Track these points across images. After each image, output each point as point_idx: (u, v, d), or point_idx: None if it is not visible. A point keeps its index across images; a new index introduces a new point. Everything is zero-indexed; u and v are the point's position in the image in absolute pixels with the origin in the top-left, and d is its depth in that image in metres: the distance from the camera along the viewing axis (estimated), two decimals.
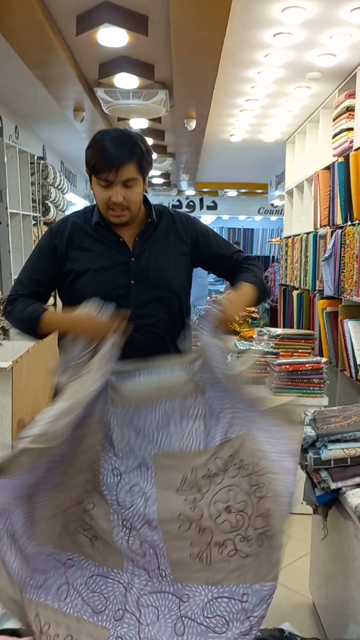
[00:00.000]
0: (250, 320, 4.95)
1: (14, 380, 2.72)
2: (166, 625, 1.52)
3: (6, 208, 4.43)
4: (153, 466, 1.53)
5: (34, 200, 5.21)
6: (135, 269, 1.68)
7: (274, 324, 6.66)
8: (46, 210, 5.51)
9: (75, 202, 8.34)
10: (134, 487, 1.54)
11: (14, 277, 4.53)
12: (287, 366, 2.99)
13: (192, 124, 5.17)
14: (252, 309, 5.06)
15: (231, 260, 1.84)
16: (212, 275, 11.71)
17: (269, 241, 12.51)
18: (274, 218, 12.38)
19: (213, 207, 12.13)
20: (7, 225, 4.42)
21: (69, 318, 1.60)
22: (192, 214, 2.18)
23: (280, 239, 7.21)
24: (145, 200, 1.75)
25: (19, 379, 2.81)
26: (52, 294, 1.81)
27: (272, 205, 10.42)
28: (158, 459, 1.53)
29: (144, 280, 1.68)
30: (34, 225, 5.22)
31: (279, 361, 3.03)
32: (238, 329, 4.60)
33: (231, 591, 1.52)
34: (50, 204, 5.54)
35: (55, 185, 5.70)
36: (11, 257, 4.48)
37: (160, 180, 9.90)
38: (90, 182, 1.68)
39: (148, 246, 1.71)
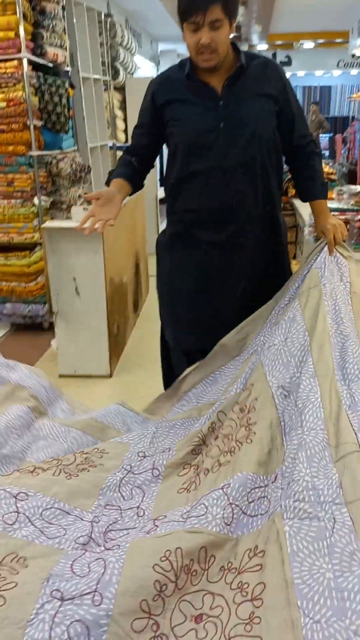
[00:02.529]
0: (329, 182, 4.79)
1: (104, 241, 2.90)
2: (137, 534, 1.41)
3: (78, 72, 4.35)
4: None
5: (103, 64, 5.05)
6: (224, 112, 1.75)
7: (353, 183, 6.40)
8: (116, 74, 5.35)
9: (142, 65, 7.95)
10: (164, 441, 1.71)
11: (90, 145, 4.57)
12: None
13: None
14: (331, 170, 4.88)
15: (304, 141, 1.89)
16: None
17: (349, 98, 11.51)
18: (354, 72, 11.28)
19: (287, 62, 11.16)
20: (80, 90, 4.37)
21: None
22: None
23: None
24: (235, 47, 1.79)
25: (108, 239, 2.98)
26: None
27: (353, 56, 9.45)
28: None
29: (233, 122, 1.75)
30: (105, 90, 5.11)
31: (359, 217, 3.00)
32: None
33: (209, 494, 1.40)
34: (119, 66, 5.35)
35: (124, 45, 5.46)
36: (86, 124, 4.48)
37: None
38: (182, 32, 1.74)
39: (236, 90, 1.76)
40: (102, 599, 1.10)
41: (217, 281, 1.91)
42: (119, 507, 1.52)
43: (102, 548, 1.35)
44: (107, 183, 1.90)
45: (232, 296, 1.92)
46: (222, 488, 1.34)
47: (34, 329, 3.82)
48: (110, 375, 3.13)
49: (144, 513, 1.48)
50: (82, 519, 1.44)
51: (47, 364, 3.31)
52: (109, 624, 1.07)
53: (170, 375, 2.17)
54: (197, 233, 1.88)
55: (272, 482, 1.35)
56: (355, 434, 1.30)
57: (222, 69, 1.76)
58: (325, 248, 1.79)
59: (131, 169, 1.92)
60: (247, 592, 1.14)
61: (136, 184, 1.94)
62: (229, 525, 1.27)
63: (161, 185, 6.58)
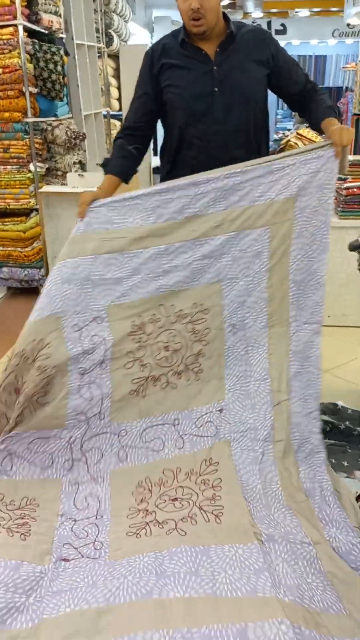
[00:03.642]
0: None
1: None
2: (110, 457, 1.69)
3: (72, 39, 4.37)
4: (107, 318, 1.73)
5: (97, 30, 5.06)
6: (218, 76, 1.85)
7: None
8: (110, 41, 5.36)
9: (136, 32, 7.88)
10: (94, 337, 1.72)
11: (84, 113, 4.62)
12: (355, 189, 3.10)
13: None
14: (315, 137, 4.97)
15: (303, 87, 1.94)
16: (278, 111, 11.01)
17: (343, 67, 11.45)
18: (350, 41, 11.17)
19: (282, 31, 11.05)
20: (75, 57, 4.40)
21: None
22: None
23: (356, 64, 6.67)
24: (225, 16, 1.90)
25: None
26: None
27: (349, 25, 9.39)
28: (111, 309, 1.73)
29: (226, 87, 1.84)
30: (99, 57, 5.13)
31: (346, 185, 3.13)
32: None
33: (163, 419, 1.73)
34: (113, 34, 5.36)
35: (117, 12, 5.45)
36: (80, 92, 4.53)
37: (225, 1, 9.04)
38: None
39: (228, 55, 1.86)
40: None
41: None
42: (86, 416, 1.71)
43: (84, 460, 1.70)
44: (104, 169, 1.94)
45: None
46: (173, 424, 1.74)
47: (30, 293, 3.94)
48: None
49: (104, 417, 1.71)
50: (60, 438, 1.69)
51: None
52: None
53: None
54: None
55: (218, 412, 1.73)
56: (289, 382, 1.72)
57: (213, 36, 1.85)
58: (330, 158, 1.71)
59: (129, 161, 1.94)
60: (208, 483, 1.59)
61: (131, 173, 1.98)
62: (180, 449, 1.70)
63: (155, 155, 6.64)
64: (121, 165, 1.94)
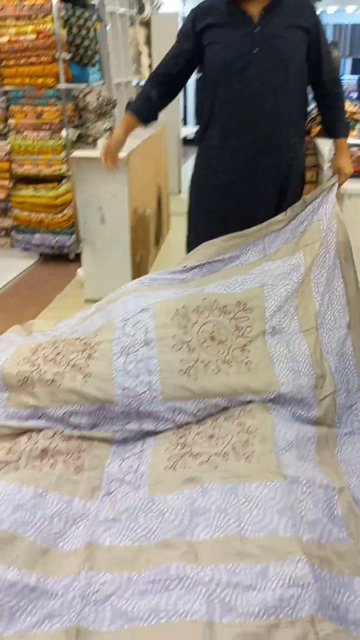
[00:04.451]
0: (351, 122, 4.82)
1: (129, 171, 3.06)
2: (163, 424, 1.75)
3: (104, 6, 4.37)
4: (152, 309, 1.90)
5: None
6: (260, 38, 1.89)
7: None
8: (141, 8, 5.33)
9: (167, 0, 7.78)
10: (137, 323, 1.86)
11: (115, 81, 4.64)
12: None
13: None
14: (356, 110, 4.90)
15: (327, 73, 2.02)
16: None
17: None
18: None
19: None
20: (106, 24, 4.41)
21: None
22: None
23: None
24: None
25: (133, 170, 3.14)
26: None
27: None
28: (156, 305, 1.92)
29: (266, 50, 1.89)
30: (130, 25, 5.12)
31: None
32: None
33: (216, 401, 1.76)
34: (145, 1, 5.33)
35: None
36: (111, 59, 4.54)
37: None
38: None
39: (272, 18, 1.91)
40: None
41: (241, 205, 2.09)
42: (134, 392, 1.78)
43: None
44: (126, 110, 2.14)
45: (248, 222, 2.07)
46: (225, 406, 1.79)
47: (61, 259, 4.04)
48: None
49: (156, 395, 1.76)
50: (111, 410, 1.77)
51: (74, 291, 3.55)
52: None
53: None
54: (225, 159, 2.04)
55: (270, 401, 1.79)
56: (333, 377, 1.86)
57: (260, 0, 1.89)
58: (333, 188, 2.03)
59: (147, 105, 2.10)
60: (244, 427, 1.67)
61: (149, 118, 2.13)
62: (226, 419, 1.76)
63: (184, 125, 6.61)
64: (140, 109, 2.09)
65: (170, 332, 1.83)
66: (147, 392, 1.74)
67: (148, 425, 1.72)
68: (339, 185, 2.08)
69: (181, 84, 2.15)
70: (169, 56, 2.07)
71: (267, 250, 2.03)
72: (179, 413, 1.74)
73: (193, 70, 2.11)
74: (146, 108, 2.11)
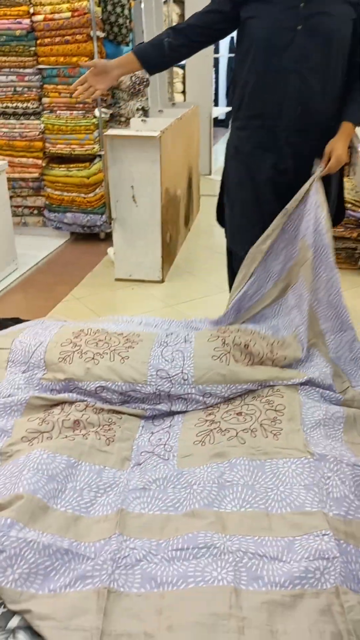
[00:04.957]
0: None
1: (162, 151, 3.07)
2: (193, 405, 1.80)
3: None
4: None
5: None
6: (304, 13, 1.76)
7: None
8: None
9: None
10: (179, 336, 1.99)
11: None
12: None
13: None
14: None
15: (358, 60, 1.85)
16: None
17: None
18: None
19: None
20: (141, 2, 4.37)
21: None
22: None
23: None
24: None
25: (165, 149, 3.14)
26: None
27: None
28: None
29: (311, 27, 1.76)
30: (164, 2, 5.07)
31: None
32: None
33: (247, 387, 1.83)
34: None
35: None
36: (144, 37, 4.51)
37: None
38: None
39: None
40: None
41: (273, 187, 1.98)
42: (168, 375, 1.83)
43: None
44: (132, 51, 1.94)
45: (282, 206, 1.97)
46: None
47: (91, 239, 4.09)
48: (162, 281, 3.39)
49: (187, 378, 1.81)
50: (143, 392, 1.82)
51: (104, 269, 3.59)
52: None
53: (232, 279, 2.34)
54: (260, 139, 1.93)
55: (300, 384, 1.85)
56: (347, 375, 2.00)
57: None
58: (314, 187, 1.91)
59: (156, 51, 1.89)
60: (272, 405, 1.68)
61: (155, 65, 1.93)
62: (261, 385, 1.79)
63: (216, 105, 6.54)
64: (146, 51, 1.90)
65: (207, 334, 1.97)
66: (179, 374, 1.79)
67: (178, 407, 1.76)
68: (330, 171, 1.91)
69: (201, 43, 1.94)
70: (197, 14, 1.91)
71: (273, 275, 2.07)
72: (210, 396, 1.77)
73: (220, 36, 1.96)
74: (155, 53, 1.89)
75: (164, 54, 1.90)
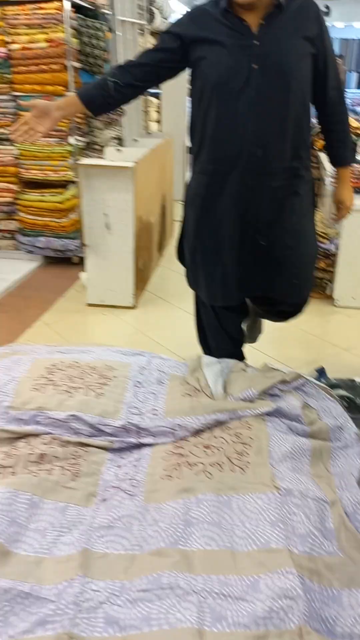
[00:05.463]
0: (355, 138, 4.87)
1: (135, 180, 3.11)
2: (162, 437, 1.75)
3: (115, 15, 4.43)
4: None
5: (139, 7, 5.10)
6: (259, 52, 1.66)
7: None
8: (151, 18, 5.39)
9: (177, 9, 7.87)
10: (153, 372, 1.98)
11: None
12: None
13: None
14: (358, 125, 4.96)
15: (332, 89, 1.83)
16: None
17: None
18: None
19: (326, 13, 10.85)
20: (117, 33, 4.46)
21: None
22: None
23: None
24: None
25: (139, 179, 3.18)
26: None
27: None
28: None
29: (267, 65, 1.67)
30: (140, 34, 5.18)
31: None
32: None
33: (215, 417, 1.78)
34: (155, 10, 5.39)
35: None
36: None
37: None
38: None
39: (273, 30, 1.68)
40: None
41: (238, 233, 1.88)
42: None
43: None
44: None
45: (254, 248, 1.90)
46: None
47: (64, 263, 4.08)
48: (134, 307, 3.40)
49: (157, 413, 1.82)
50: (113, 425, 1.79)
51: (76, 294, 3.58)
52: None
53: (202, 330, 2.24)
54: (220, 184, 1.83)
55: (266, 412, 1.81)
56: None
57: (260, 7, 1.67)
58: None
59: (100, 92, 1.81)
60: (240, 438, 1.68)
61: (99, 107, 1.86)
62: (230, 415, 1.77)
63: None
64: (89, 93, 1.83)
65: (181, 378, 1.95)
66: (150, 409, 1.81)
67: (146, 439, 1.75)
68: (340, 219, 1.97)
69: (147, 82, 1.85)
70: (145, 52, 1.81)
71: None
72: (179, 428, 1.78)
73: (167, 75, 1.85)
74: (98, 94, 1.81)
75: (108, 95, 1.81)
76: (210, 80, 1.72)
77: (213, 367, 2.00)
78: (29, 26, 3.51)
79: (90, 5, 3.77)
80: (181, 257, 2.15)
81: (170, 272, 4.00)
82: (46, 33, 3.50)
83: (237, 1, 1.66)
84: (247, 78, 1.68)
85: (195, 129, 1.86)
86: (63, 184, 3.83)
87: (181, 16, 1.83)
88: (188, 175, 5.75)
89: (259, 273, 1.95)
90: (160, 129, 5.73)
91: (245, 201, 1.83)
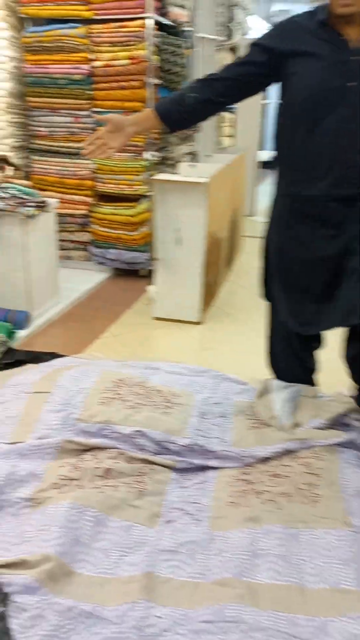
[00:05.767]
0: None
1: (209, 196, 3.11)
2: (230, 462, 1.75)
3: (195, 33, 4.48)
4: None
5: (219, 24, 5.14)
6: (355, 68, 1.58)
7: None
8: (229, 34, 5.42)
9: (254, 25, 7.88)
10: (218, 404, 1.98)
11: None
12: None
13: None
14: None
15: None
16: None
17: None
18: None
19: None
20: (196, 50, 4.51)
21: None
22: None
23: None
24: None
25: (212, 195, 3.18)
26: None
27: None
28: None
29: None
30: (218, 50, 5.21)
31: None
32: None
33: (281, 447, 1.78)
34: (233, 27, 5.42)
35: (242, 5, 5.50)
36: None
37: None
38: None
39: None
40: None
41: (327, 257, 1.78)
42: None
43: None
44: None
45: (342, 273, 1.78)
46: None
47: (131, 275, 4.14)
48: (201, 322, 3.38)
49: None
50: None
51: (143, 307, 3.61)
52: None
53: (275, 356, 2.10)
54: (305, 205, 1.76)
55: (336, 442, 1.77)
56: None
57: (358, 20, 1.59)
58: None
59: (176, 107, 1.76)
60: (310, 468, 1.64)
61: (175, 122, 1.80)
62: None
63: (260, 150, 6.61)
64: (166, 107, 1.78)
65: (248, 408, 1.95)
66: (217, 438, 1.80)
67: (213, 462, 1.72)
68: None
69: (229, 98, 1.78)
70: (231, 63, 1.74)
71: None
72: (247, 455, 1.74)
73: (251, 91, 1.78)
74: (175, 110, 1.75)
75: (185, 111, 1.76)
76: (302, 96, 1.65)
77: (282, 393, 1.95)
78: (113, 44, 3.60)
79: (172, 22, 3.83)
80: (267, 293, 2.01)
81: (238, 288, 3.97)
82: (129, 50, 3.58)
83: (337, 12, 1.58)
84: (342, 96, 1.61)
85: (281, 146, 1.80)
86: (136, 198, 3.90)
87: (271, 28, 1.76)
88: (259, 189, 5.64)
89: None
90: (234, 143, 5.73)
91: (334, 226, 1.74)
